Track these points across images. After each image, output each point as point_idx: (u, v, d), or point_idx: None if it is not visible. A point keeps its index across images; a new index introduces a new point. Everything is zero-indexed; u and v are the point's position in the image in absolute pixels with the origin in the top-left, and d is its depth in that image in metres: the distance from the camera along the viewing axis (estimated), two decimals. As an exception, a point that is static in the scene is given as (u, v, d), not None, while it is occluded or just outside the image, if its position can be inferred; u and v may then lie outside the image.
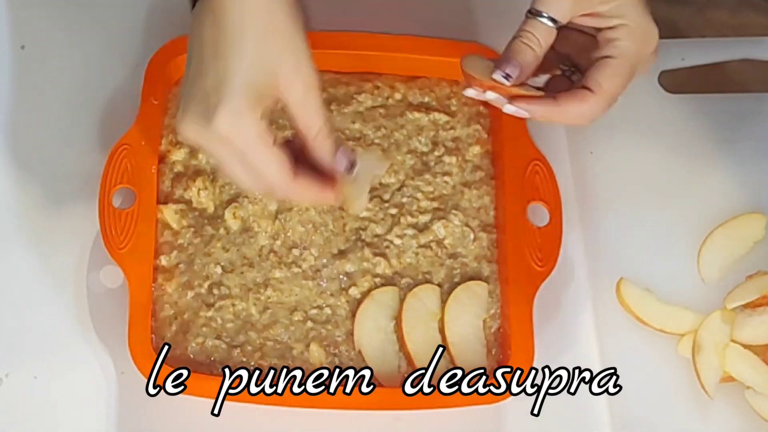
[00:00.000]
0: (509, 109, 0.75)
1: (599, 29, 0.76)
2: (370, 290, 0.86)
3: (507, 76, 0.74)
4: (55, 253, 0.87)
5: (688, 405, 0.85)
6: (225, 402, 0.81)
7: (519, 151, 0.89)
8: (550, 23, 0.74)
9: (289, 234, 0.87)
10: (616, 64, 0.75)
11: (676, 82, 0.95)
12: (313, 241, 0.87)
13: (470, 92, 0.76)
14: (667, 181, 0.92)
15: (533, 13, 0.75)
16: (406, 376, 0.84)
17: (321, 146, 0.72)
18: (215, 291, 0.85)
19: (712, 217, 0.90)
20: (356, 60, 0.92)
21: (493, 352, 0.85)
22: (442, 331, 0.85)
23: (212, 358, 0.83)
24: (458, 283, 0.87)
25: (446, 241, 0.88)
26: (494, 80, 0.74)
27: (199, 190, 0.87)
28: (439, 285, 0.87)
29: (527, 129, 0.89)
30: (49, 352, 0.85)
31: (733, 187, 0.92)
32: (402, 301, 0.86)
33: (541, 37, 0.75)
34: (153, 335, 0.83)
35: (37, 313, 0.86)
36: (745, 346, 0.85)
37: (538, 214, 0.88)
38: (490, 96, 0.75)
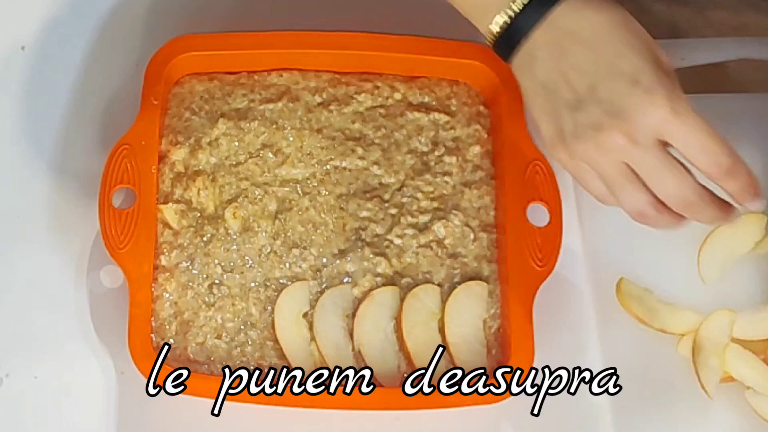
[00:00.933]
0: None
1: None
2: (370, 290, 0.86)
3: None
4: (55, 253, 0.87)
5: (688, 405, 0.85)
6: (225, 402, 0.81)
7: (519, 151, 0.89)
8: None
9: (289, 234, 0.87)
10: None
11: None
12: (313, 241, 0.87)
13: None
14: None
15: None
16: (406, 376, 0.84)
17: (713, 161, 0.71)
18: (215, 291, 0.85)
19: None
20: (356, 60, 0.92)
21: (493, 352, 0.85)
22: (442, 331, 0.85)
23: (212, 358, 0.83)
24: (458, 283, 0.87)
25: (446, 241, 0.88)
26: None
27: (199, 190, 0.87)
28: (439, 285, 0.87)
29: (527, 129, 0.89)
30: (49, 352, 0.85)
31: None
32: (402, 300, 0.86)
33: None
34: (153, 335, 0.83)
35: (37, 313, 0.86)
36: (745, 343, 0.85)
37: (539, 214, 0.88)
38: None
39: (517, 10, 0.73)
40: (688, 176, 0.72)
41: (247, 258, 0.86)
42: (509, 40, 0.74)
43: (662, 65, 0.72)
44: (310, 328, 0.85)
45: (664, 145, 0.71)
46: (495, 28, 0.73)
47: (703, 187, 0.73)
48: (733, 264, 0.89)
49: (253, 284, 0.86)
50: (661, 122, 0.69)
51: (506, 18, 0.73)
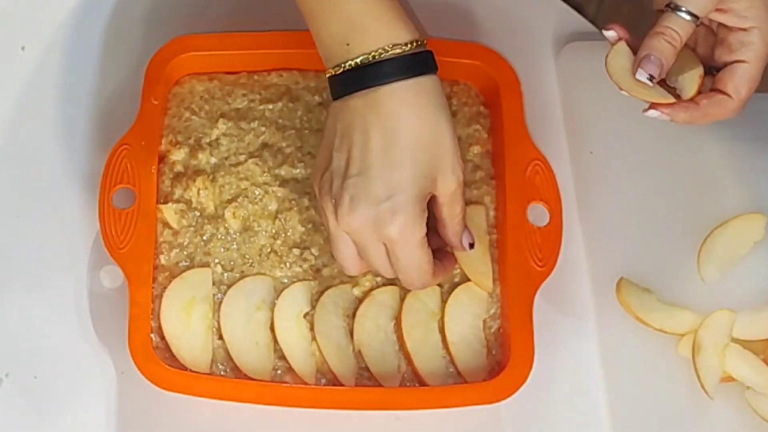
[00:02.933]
0: (652, 113, 0.77)
1: (731, 29, 0.76)
2: (371, 290, 0.86)
3: (650, 78, 0.75)
4: (55, 253, 0.87)
5: (688, 405, 0.85)
6: (225, 402, 0.81)
7: (519, 151, 0.89)
8: (689, 17, 0.75)
9: (289, 234, 0.87)
10: (752, 68, 0.76)
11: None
12: (314, 241, 0.87)
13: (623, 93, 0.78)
14: (667, 182, 0.92)
15: (672, 8, 0.75)
16: (405, 375, 0.84)
17: (457, 229, 0.80)
18: (216, 291, 0.85)
19: (712, 217, 0.90)
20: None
21: (493, 352, 0.85)
22: (442, 331, 0.85)
23: (213, 359, 0.83)
24: (458, 283, 0.87)
25: (446, 241, 0.88)
26: (638, 81, 0.74)
27: (199, 189, 0.87)
28: (439, 285, 0.87)
29: (527, 129, 0.89)
30: (49, 352, 0.85)
31: (733, 187, 0.92)
32: (402, 300, 0.86)
33: (681, 32, 0.75)
34: (153, 335, 0.83)
35: (37, 312, 0.86)
36: (745, 343, 0.85)
37: (539, 214, 0.88)
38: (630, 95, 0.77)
39: (348, 68, 0.76)
40: (389, 268, 0.78)
41: (247, 257, 0.86)
42: (344, 84, 0.77)
43: (436, 191, 0.77)
44: (311, 329, 0.85)
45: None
46: (336, 70, 0.77)
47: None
48: (733, 264, 0.89)
49: (253, 284, 0.86)
50: (385, 239, 0.76)
51: (345, 67, 0.76)
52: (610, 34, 0.79)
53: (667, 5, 0.75)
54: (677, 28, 0.75)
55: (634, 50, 0.78)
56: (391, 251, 0.77)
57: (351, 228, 0.76)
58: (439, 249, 0.82)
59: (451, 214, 0.79)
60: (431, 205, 0.78)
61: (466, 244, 0.81)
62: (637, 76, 0.76)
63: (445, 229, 0.80)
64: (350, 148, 0.76)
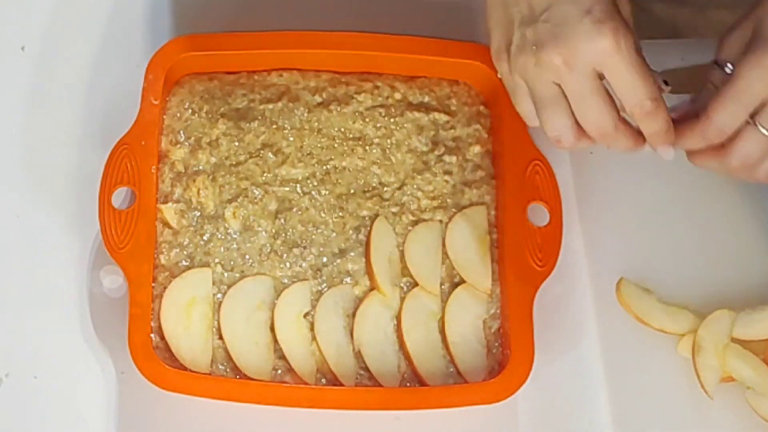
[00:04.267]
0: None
1: None
2: (371, 289, 0.86)
3: None
4: (55, 253, 0.87)
5: (688, 405, 0.85)
6: (225, 402, 0.80)
7: (519, 150, 0.89)
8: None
9: (289, 233, 0.87)
10: None
11: (676, 82, 0.95)
12: (314, 240, 0.87)
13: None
14: (667, 181, 0.92)
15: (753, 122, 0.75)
16: (405, 375, 0.84)
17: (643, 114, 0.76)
18: (216, 290, 0.85)
19: (713, 216, 0.90)
20: (356, 60, 0.92)
21: (494, 352, 0.85)
22: (442, 331, 0.85)
23: (213, 359, 0.83)
24: (458, 283, 0.87)
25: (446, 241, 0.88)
26: None
27: (199, 189, 0.87)
28: (440, 285, 0.87)
29: (527, 129, 0.89)
30: (48, 352, 0.85)
31: (733, 186, 0.92)
32: (402, 300, 0.86)
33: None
34: (153, 335, 0.83)
35: (36, 312, 0.86)
36: (745, 343, 0.85)
37: (539, 214, 0.88)
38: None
39: None
40: (612, 109, 0.75)
41: (247, 257, 0.86)
42: None
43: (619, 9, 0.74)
44: (311, 328, 0.85)
45: (600, 76, 0.74)
46: None
47: (623, 119, 0.76)
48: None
49: (253, 284, 0.86)
50: (601, 54, 0.72)
51: None
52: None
53: (748, 118, 0.75)
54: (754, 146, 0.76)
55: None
56: (611, 68, 0.73)
57: (564, 59, 0.73)
58: None
59: (629, 95, 0.75)
60: None
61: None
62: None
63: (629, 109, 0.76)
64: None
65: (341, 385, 0.83)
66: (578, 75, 0.74)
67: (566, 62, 0.73)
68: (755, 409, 0.84)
